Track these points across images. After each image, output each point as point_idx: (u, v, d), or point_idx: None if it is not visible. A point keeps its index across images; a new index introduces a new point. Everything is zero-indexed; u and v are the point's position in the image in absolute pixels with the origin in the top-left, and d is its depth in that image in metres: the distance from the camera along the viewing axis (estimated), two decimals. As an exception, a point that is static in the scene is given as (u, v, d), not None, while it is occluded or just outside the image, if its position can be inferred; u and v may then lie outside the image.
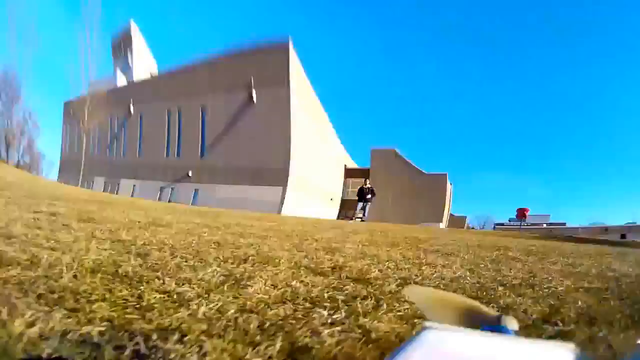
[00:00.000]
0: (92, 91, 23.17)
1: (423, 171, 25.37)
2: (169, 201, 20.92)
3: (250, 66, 19.37)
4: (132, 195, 23.38)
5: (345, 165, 27.30)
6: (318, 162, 22.50)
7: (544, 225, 43.43)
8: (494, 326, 0.35)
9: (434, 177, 24.92)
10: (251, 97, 19.46)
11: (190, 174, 21.86)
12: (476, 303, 0.44)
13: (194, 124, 22.12)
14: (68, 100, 27.77)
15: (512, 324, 0.36)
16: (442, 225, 23.94)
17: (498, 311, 0.38)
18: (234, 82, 19.90)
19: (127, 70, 30.50)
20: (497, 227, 41.03)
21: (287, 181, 18.79)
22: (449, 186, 25.92)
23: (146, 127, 24.79)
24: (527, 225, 39.03)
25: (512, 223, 41.08)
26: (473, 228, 38.80)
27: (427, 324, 0.24)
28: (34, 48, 32.16)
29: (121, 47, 31.12)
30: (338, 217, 22.93)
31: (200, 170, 21.62)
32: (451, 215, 30.32)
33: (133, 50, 30.74)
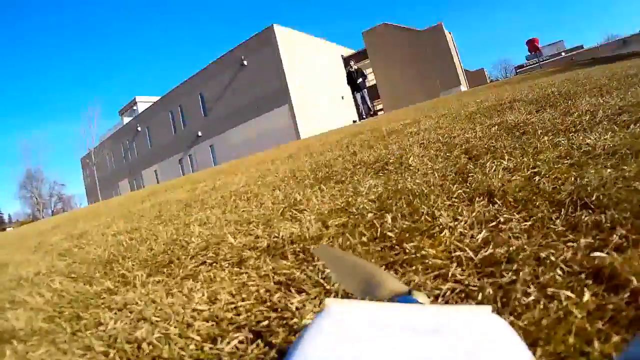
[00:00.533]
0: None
1: (418, 29, 23.32)
2: (192, 171, 20.96)
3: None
4: (157, 182, 23.70)
5: (341, 55, 25.16)
6: (315, 69, 21.19)
7: (562, 55, 40.54)
8: (405, 297, 0.33)
9: (431, 31, 22.85)
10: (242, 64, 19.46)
11: (200, 134, 21.73)
12: (387, 273, 0.41)
13: (194, 106, 22.30)
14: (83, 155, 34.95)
15: (423, 298, 0.33)
16: (463, 87, 22.38)
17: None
18: (227, 65, 20.23)
19: (132, 115, 33.37)
20: (518, 71, 38.51)
21: (290, 97, 18.05)
22: (448, 35, 23.81)
23: (153, 130, 25.76)
24: (546, 59, 36.66)
25: (529, 62, 38.34)
26: (497, 80, 36.78)
27: (330, 300, 0.23)
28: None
29: (126, 109, 36.06)
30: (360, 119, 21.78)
31: (207, 126, 21.36)
32: (466, 71, 28.36)
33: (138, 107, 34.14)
